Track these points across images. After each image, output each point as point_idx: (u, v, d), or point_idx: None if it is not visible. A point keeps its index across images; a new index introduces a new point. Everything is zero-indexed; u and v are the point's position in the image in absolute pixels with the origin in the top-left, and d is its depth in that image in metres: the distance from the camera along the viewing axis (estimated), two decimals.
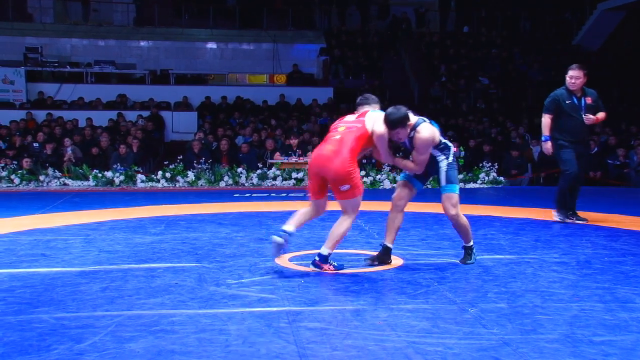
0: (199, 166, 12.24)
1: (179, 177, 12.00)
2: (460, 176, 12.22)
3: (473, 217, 7.72)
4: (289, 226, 4.93)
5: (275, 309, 3.86)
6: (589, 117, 7.10)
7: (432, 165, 4.98)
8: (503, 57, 19.58)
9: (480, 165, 12.54)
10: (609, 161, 13.03)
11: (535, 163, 13.22)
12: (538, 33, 20.21)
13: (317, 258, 4.89)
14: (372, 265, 5.05)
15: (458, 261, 5.14)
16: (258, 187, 11.78)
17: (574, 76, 7.11)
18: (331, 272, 4.82)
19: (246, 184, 11.97)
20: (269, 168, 12.30)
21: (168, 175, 11.98)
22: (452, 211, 4.94)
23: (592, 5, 18.16)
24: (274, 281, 4.55)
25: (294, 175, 12.02)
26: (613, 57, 17.59)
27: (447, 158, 4.96)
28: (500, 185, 12.14)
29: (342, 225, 4.89)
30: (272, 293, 4.22)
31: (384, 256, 5.12)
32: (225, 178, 12.02)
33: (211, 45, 20.87)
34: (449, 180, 4.94)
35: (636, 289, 4.35)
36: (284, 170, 12.16)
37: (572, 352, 3.13)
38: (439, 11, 22.08)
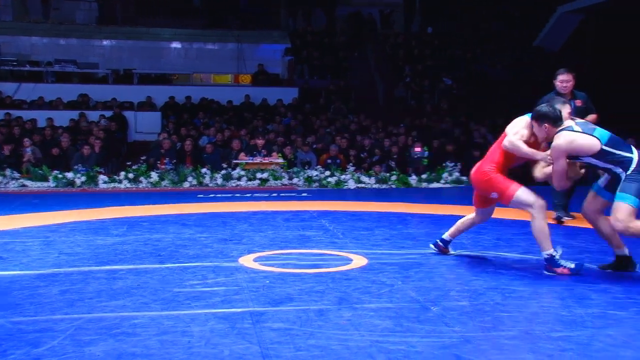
0: (164, 166, 12.14)
1: (142, 178, 11.87)
2: (424, 176, 12.34)
3: (436, 216, 7.80)
4: (446, 234, 5.32)
5: (239, 309, 3.84)
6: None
7: (616, 183, 4.51)
8: (466, 57, 19.80)
9: (444, 165, 12.66)
10: None
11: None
12: (501, 34, 20.49)
13: (545, 259, 4.74)
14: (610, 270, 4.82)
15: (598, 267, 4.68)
16: (222, 188, 11.72)
17: (564, 80, 7.23)
18: (565, 273, 4.66)
19: (210, 185, 11.90)
20: (234, 168, 12.25)
21: (131, 176, 11.84)
22: (618, 224, 4.44)
23: (552, 7, 18.47)
24: (238, 282, 4.53)
25: (258, 175, 11.99)
26: (573, 58, 17.92)
27: (626, 171, 4.44)
28: (463, 185, 12.26)
29: (533, 226, 4.78)
30: (236, 294, 4.20)
31: (625, 264, 4.79)
32: (189, 179, 11.93)
33: (175, 44, 20.69)
34: (623, 189, 4.42)
35: (592, 285, 4.44)
36: (249, 170, 12.12)
37: (530, 348, 3.18)
38: (404, 12, 22.23)
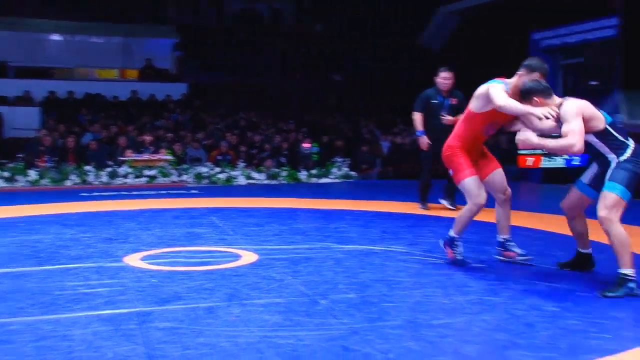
0: (44, 164, 11.57)
1: (19, 177, 11.26)
2: (314, 171, 12.45)
3: (326, 211, 7.89)
4: (500, 235, 5.00)
5: (124, 310, 3.72)
6: (445, 117, 7.34)
7: (604, 176, 4.28)
8: (354, 55, 20.14)
9: (333, 160, 12.84)
10: None
11: (385, 158, 13.72)
12: (386, 33, 20.98)
13: (448, 237, 4.89)
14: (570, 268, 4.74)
15: (601, 294, 4.07)
16: (108, 186, 11.34)
17: (445, 77, 7.78)
18: (450, 257, 4.82)
19: (95, 183, 11.48)
20: (120, 166, 11.87)
21: (6, 174, 11.20)
22: (602, 212, 4.10)
23: (434, 8, 19.12)
24: (123, 282, 4.39)
25: (146, 172, 11.69)
26: (453, 57, 18.65)
27: (618, 156, 4.20)
28: (351, 180, 12.48)
29: (463, 211, 4.76)
30: (121, 294, 4.07)
31: (585, 263, 4.74)
32: (72, 177, 11.44)
33: (56, 37, 19.72)
34: (612, 178, 4.15)
35: (471, 274, 4.64)
36: (136, 167, 11.79)
37: (413, 336, 3.28)
38: (295, 10, 22.31)
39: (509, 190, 4.90)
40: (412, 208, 8.17)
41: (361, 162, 13.31)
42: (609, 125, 4.23)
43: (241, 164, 12.38)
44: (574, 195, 4.56)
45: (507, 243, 4.96)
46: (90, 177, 11.54)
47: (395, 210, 7.83)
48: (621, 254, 4.08)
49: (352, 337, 3.25)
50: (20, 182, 11.22)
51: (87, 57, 19.26)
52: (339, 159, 12.85)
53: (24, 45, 18.99)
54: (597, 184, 4.33)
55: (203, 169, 12.08)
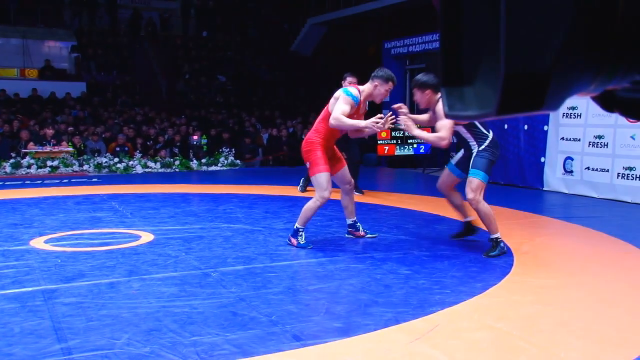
0: None
1: None
2: (204, 160, 12.21)
3: (215, 195, 7.77)
4: (349, 218, 4.94)
5: (30, 289, 3.49)
6: None
7: (468, 160, 4.45)
8: (237, 59, 19.89)
9: (220, 150, 12.65)
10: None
11: (265, 147, 13.70)
12: (264, 40, 20.87)
13: (294, 229, 4.71)
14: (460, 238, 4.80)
15: (483, 255, 4.36)
16: (12, 176, 10.53)
17: (352, 81, 7.23)
18: (294, 245, 4.64)
19: None
20: (23, 157, 11.05)
21: None
22: (469, 194, 4.33)
23: (304, 19, 19.22)
24: (29, 263, 4.12)
25: (49, 163, 10.95)
26: (322, 62, 18.91)
27: (479, 146, 4.39)
28: (237, 167, 12.37)
29: (309, 204, 4.59)
30: (27, 274, 3.82)
31: (469, 230, 4.81)
32: None
33: None
34: (475, 165, 4.36)
35: (339, 246, 4.75)
36: (39, 159, 11.02)
37: (292, 300, 3.33)
38: (181, 17, 21.65)
39: (352, 181, 5.02)
40: (290, 191, 8.22)
41: (245, 151, 13.21)
42: None
43: (138, 155, 11.91)
44: (445, 175, 4.70)
45: (357, 224, 5.03)
46: None
47: (276, 194, 7.85)
48: (489, 224, 4.37)
49: (240, 304, 3.24)
50: None
51: None
52: (226, 149, 12.67)
53: None
54: (462, 166, 4.56)
55: (103, 160, 11.51)
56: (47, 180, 9.75)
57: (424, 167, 11.40)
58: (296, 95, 17.90)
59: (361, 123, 4.47)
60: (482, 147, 4.38)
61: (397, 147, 11.56)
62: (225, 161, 12.43)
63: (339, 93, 4.64)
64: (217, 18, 21.44)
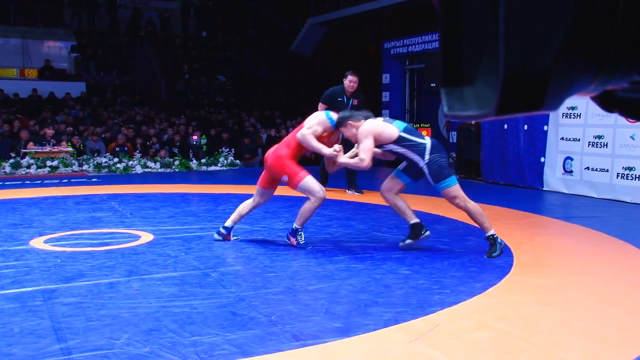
0: None
1: None
2: (203, 160, 12.21)
3: (215, 195, 7.77)
4: (229, 221, 4.86)
5: (29, 289, 3.49)
6: None
7: (414, 168, 4.42)
8: (237, 59, 19.89)
9: (220, 150, 12.65)
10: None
11: (264, 147, 13.70)
12: (264, 40, 20.87)
13: (292, 229, 4.72)
14: (410, 245, 4.59)
15: (485, 255, 4.30)
16: (11, 176, 10.52)
17: (352, 80, 7.36)
18: (294, 244, 4.65)
19: None
20: (23, 157, 11.04)
21: None
22: (455, 202, 4.30)
23: (304, 19, 19.19)
24: (28, 264, 4.12)
25: (48, 163, 10.95)
26: (322, 62, 18.91)
27: (422, 158, 4.30)
28: (236, 167, 12.37)
29: (306, 205, 4.60)
30: (27, 274, 3.82)
31: (418, 231, 4.60)
32: None
33: None
34: (436, 179, 4.29)
35: (339, 246, 4.75)
36: (38, 159, 11.02)
37: (292, 300, 3.33)
38: (181, 17, 21.64)
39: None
40: (289, 191, 8.20)
41: (244, 151, 13.21)
42: (403, 131, 4.39)
43: (137, 155, 11.91)
44: (390, 180, 4.60)
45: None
46: None
47: (275, 194, 7.81)
48: (482, 222, 4.34)
49: (239, 304, 3.24)
50: None
51: None
52: (225, 149, 12.67)
53: None
54: (409, 171, 4.50)
55: (102, 160, 11.51)
56: (46, 180, 9.76)
57: None
58: (296, 95, 17.89)
59: (324, 149, 4.52)
60: (427, 158, 4.30)
61: None
62: (225, 161, 12.43)
63: (319, 114, 4.73)
64: (217, 18, 21.42)
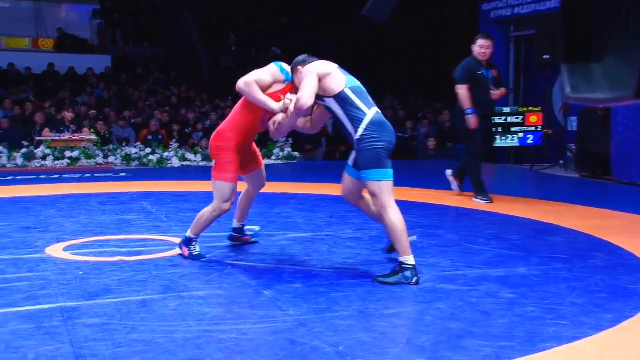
0: None
1: None
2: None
3: (269, 195, 7.87)
4: (235, 222, 5.07)
5: (46, 306, 3.65)
6: (495, 92, 7.22)
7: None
8: (294, 26, 20.04)
9: (275, 140, 12.80)
10: (399, 134, 13.95)
11: (330, 137, 13.75)
12: (327, 2, 20.94)
13: (185, 238, 4.84)
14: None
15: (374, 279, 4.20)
16: (24, 169, 11.02)
17: (484, 45, 7.08)
18: (186, 255, 4.74)
19: (9, 166, 11.13)
20: (37, 146, 11.54)
21: None
22: (375, 201, 4.22)
23: None
24: (45, 275, 4.30)
25: (67, 154, 11.40)
26: (400, 30, 18.79)
27: (356, 131, 4.14)
28: (295, 161, 12.48)
29: (204, 211, 4.75)
30: (43, 289, 3.99)
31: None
32: None
33: None
34: (363, 165, 4.15)
35: (423, 259, 4.72)
36: (56, 148, 11.48)
37: (364, 327, 3.33)
38: None
39: (265, 183, 5.07)
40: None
41: (305, 141, 13.29)
42: (350, 88, 4.22)
43: (174, 145, 12.21)
44: (345, 180, 4.46)
45: (245, 228, 4.98)
46: (3, 160, 11.18)
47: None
48: (396, 242, 4.17)
49: (299, 330, 3.27)
50: None
51: None
52: (281, 139, 12.81)
53: None
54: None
55: (132, 150, 11.87)
56: (65, 175, 10.15)
57: (533, 162, 11.18)
58: (367, 72, 17.89)
59: (271, 102, 4.41)
60: (360, 133, 4.11)
61: (497, 137, 11.36)
62: (281, 153, 12.57)
63: (270, 65, 4.62)
64: None
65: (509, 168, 11.33)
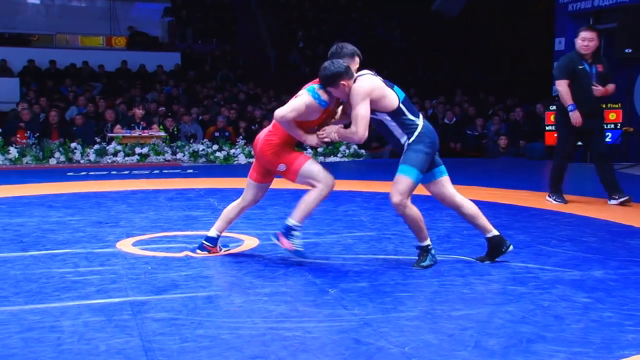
0: (25, 140, 11.57)
1: None
2: (320, 149, 12.44)
3: (334, 193, 7.87)
4: (213, 230, 4.89)
5: (116, 300, 3.75)
6: (598, 88, 6.87)
7: (397, 148, 4.53)
8: (363, 22, 20.02)
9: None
10: (468, 132, 13.78)
11: None
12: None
13: (285, 227, 4.54)
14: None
15: (412, 266, 4.47)
16: (96, 165, 11.36)
17: (586, 38, 6.80)
18: (289, 248, 4.47)
19: (82, 161, 11.49)
20: (109, 143, 11.88)
21: None
22: (395, 197, 4.39)
23: None
24: (115, 269, 4.42)
25: (137, 150, 11.70)
26: (471, 24, 18.57)
27: (409, 137, 4.37)
28: (361, 159, 12.47)
29: (308, 195, 4.54)
30: (114, 282, 4.11)
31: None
32: (57, 154, 11.46)
33: (34, 0, 19.56)
34: (405, 160, 4.37)
35: (492, 262, 4.64)
36: (126, 145, 11.79)
37: (431, 328, 3.30)
38: None
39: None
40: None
41: (371, 139, 13.27)
42: (402, 103, 4.41)
43: (241, 141, 12.37)
44: (437, 184, 4.63)
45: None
46: (76, 155, 11.55)
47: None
48: (419, 231, 4.46)
49: (364, 329, 3.27)
50: None
51: (69, 23, 19.05)
52: None
53: None
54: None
55: (199, 147, 12.09)
56: (135, 171, 10.41)
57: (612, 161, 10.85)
58: (438, 68, 17.72)
59: (305, 137, 4.47)
60: (414, 137, 4.36)
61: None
62: (347, 150, 12.58)
63: (303, 93, 4.47)
64: None
65: (585, 167, 11.03)
